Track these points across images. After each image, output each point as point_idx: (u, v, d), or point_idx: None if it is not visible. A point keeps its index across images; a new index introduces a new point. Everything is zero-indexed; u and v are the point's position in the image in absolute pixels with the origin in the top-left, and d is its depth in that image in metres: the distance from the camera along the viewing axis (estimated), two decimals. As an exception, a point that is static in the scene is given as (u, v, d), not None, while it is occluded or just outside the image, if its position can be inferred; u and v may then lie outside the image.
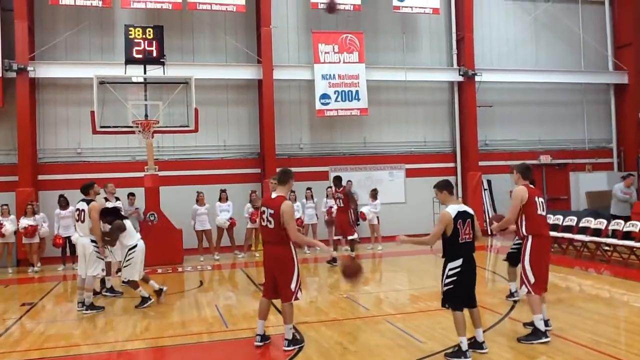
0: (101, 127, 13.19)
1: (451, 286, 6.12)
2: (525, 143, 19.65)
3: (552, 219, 14.45)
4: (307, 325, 7.86)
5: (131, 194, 13.86)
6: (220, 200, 15.44)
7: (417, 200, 18.00)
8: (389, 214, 16.70)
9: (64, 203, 14.14)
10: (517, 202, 6.78)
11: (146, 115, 13.22)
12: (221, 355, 6.87)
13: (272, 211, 6.61)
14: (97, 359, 6.88)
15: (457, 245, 6.10)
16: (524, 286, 6.72)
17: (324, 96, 17.20)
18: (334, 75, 17.26)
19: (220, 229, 15.30)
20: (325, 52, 17.32)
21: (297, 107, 17.91)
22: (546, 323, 6.87)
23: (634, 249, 12.01)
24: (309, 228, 15.92)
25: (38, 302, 10.26)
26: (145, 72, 13.45)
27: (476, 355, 6.12)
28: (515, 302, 8.61)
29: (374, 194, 16.62)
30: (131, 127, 12.95)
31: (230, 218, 15.45)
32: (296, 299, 6.70)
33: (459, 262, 6.11)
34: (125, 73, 13.34)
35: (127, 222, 9.51)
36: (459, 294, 6.12)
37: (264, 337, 6.93)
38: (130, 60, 13.23)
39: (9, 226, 13.83)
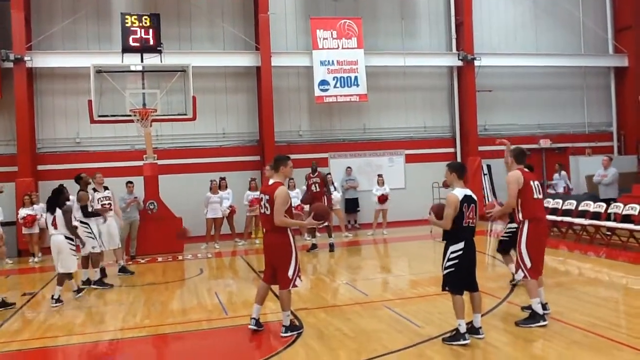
0: (99, 116, 13.16)
1: (452, 269, 6.14)
2: (525, 127, 19.58)
3: (551, 203, 14.47)
4: (307, 312, 7.90)
5: (129, 182, 13.84)
6: (220, 188, 15.43)
7: (417, 185, 17.98)
8: (389, 199, 16.66)
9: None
10: (514, 186, 6.73)
11: (144, 104, 13.18)
12: (220, 342, 6.90)
13: (267, 197, 6.65)
14: (97, 348, 6.92)
15: (460, 228, 6.12)
16: (520, 271, 6.69)
17: (323, 82, 17.12)
18: (332, 61, 17.17)
19: (220, 218, 15.31)
20: (324, 38, 17.22)
21: (296, 94, 17.84)
22: (544, 307, 6.89)
23: (633, 232, 12.00)
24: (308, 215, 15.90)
25: (38, 291, 10.30)
26: (142, 61, 13.38)
27: (473, 340, 6.14)
28: (514, 286, 8.62)
29: (379, 180, 16.62)
30: (129, 116, 12.91)
31: (230, 206, 15.47)
32: (294, 286, 6.72)
33: (460, 245, 6.12)
34: (122, 62, 13.27)
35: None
36: (460, 277, 6.14)
37: (258, 323, 6.97)
38: (127, 49, 13.17)
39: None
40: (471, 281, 6.25)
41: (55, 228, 9.22)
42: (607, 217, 13.02)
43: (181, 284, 10.66)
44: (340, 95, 17.25)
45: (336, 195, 16.01)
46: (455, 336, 6.09)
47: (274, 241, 6.71)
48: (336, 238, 14.99)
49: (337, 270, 11.68)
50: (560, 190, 17.32)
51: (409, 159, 18.63)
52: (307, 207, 15.37)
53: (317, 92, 17.10)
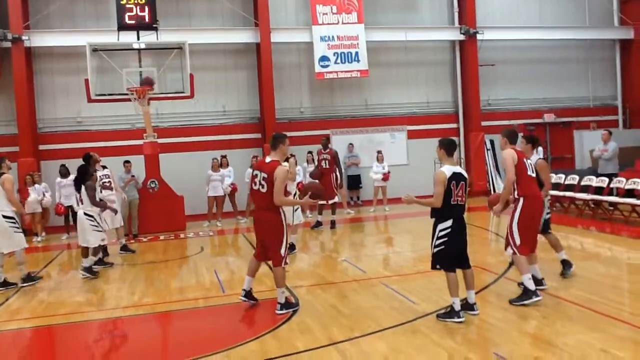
0: (96, 95, 13.11)
1: (442, 247, 6.11)
2: (528, 102, 19.35)
3: (554, 178, 14.35)
4: (304, 289, 7.93)
5: (127, 162, 13.86)
6: (221, 166, 15.43)
7: (420, 161, 17.84)
8: (391, 175, 16.61)
9: (64, 172, 14.22)
10: (510, 163, 6.68)
11: (141, 83, 13.10)
12: (214, 320, 6.93)
13: (265, 175, 6.62)
14: (94, 326, 6.98)
15: (448, 206, 6.07)
16: (509, 247, 6.68)
17: (323, 58, 16.95)
18: (332, 36, 16.97)
19: (222, 196, 15.33)
20: (324, 13, 17.00)
21: (297, 71, 17.69)
22: (540, 282, 6.89)
23: (636, 207, 11.93)
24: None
25: (41, 270, 10.37)
26: (138, 38, 13.26)
27: (468, 316, 6.14)
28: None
29: (378, 156, 16.64)
30: (126, 94, 12.85)
31: (232, 183, 15.48)
32: (285, 263, 6.76)
33: (449, 222, 6.08)
34: (117, 40, 13.16)
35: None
36: (450, 255, 6.11)
37: (249, 294, 7.04)
38: (122, 27, 13.03)
39: None
40: (462, 259, 6.22)
41: (82, 204, 9.44)
42: (610, 192, 12.94)
43: (181, 262, 10.71)
44: (341, 71, 17.09)
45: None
46: (449, 313, 6.10)
47: (267, 219, 6.72)
48: (338, 215, 15.01)
49: (336, 247, 11.71)
50: None
51: (411, 134, 18.51)
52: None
53: (318, 68, 16.94)
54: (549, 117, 19.50)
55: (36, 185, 14.51)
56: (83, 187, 9.39)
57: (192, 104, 16.27)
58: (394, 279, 8.34)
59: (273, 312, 6.75)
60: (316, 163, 14.25)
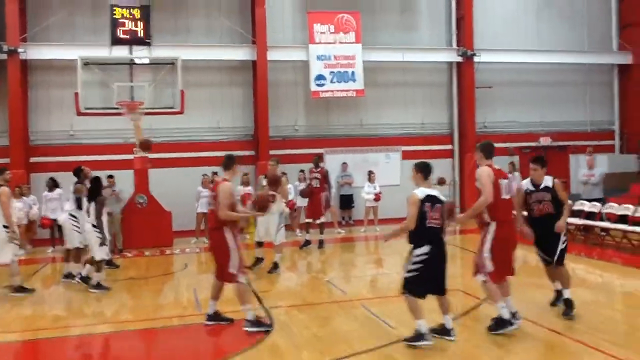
0: (86, 108, 13.06)
1: (416, 273, 5.93)
2: (525, 125, 19.23)
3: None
4: (282, 309, 7.77)
5: (110, 176, 13.80)
6: (212, 182, 15.30)
7: (413, 183, 17.70)
8: (384, 196, 16.47)
9: (51, 185, 14.12)
10: (487, 180, 6.20)
11: (132, 97, 13.08)
12: (185, 339, 6.75)
13: (213, 194, 6.83)
14: (65, 343, 6.83)
15: (423, 229, 5.91)
16: (479, 274, 6.29)
17: (319, 77, 16.93)
18: (329, 56, 16.95)
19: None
20: (321, 33, 17.00)
21: (293, 89, 17.64)
22: (514, 315, 6.42)
23: (627, 233, 11.76)
24: (302, 210, 15.72)
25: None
26: (131, 53, 13.25)
27: (444, 342, 5.98)
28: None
29: (369, 176, 16.58)
30: (116, 108, 12.81)
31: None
32: (237, 281, 6.74)
33: (425, 248, 5.92)
34: (110, 54, 13.16)
35: None
36: (423, 282, 5.91)
37: (216, 316, 7.03)
38: (115, 41, 13.03)
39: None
40: (437, 285, 6.03)
41: (89, 217, 9.40)
42: (601, 217, 12.78)
43: (163, 278, 10.57)
44: (337, 90, 17.05)
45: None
46: (416, 337, 5.88)
47: (214, 237, 6.91)
48: (329, 234, 14.88)
49: (323, 267, 11.55)
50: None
51: (406, 155, 18.36)
52: (300, 203, 15.23)
53: (314, 87, 16.91)
54: (545, 141, 19.39)
55: (24, 198, 14.40)
56: (93, 202, 9.34)
57: (187, 120, 16.20)
58: (375, 301, 8.19)
59: (244, 333, 6.59)
60: (307, 181, 14.13)
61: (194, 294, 8.94)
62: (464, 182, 18.33)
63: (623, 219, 12.30)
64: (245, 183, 15.55)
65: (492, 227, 6.28)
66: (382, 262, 12.26)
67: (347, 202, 17.61)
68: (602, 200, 13.13)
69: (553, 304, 7.29)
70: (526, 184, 7.14)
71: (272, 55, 16.69)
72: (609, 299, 8.25)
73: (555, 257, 6.90)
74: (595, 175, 13.47)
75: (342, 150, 17.84)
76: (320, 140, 17.69)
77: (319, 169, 13.44)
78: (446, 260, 6.09)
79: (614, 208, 12.37)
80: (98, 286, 9.31)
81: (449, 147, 18.90)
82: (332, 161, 17.64)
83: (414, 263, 5.95)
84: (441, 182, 16.00)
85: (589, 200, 13.14)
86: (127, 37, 13.16)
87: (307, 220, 13.59)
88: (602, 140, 19.94)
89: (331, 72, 16.91)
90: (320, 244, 13.24)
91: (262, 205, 7.26)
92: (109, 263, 11.41)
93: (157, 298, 8.91)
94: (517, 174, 16.61)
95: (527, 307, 7.00)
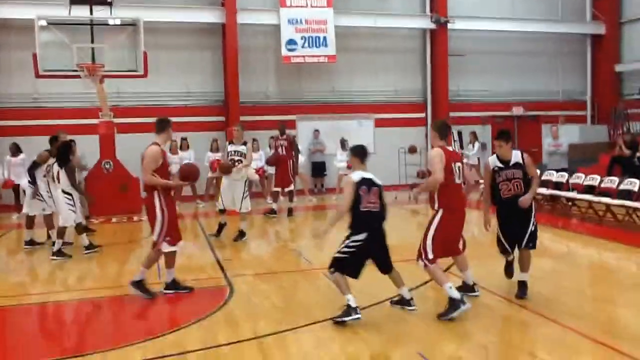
0: (45, 70, 12.64)
1: (346, 255, 5.73)
2: (498, 94, 19.25)
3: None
4: (243, 278, 7.69)
5: (71, 141, 13.45)
6: (181, 148, 15.13)
7: (386, 150, 17.59)
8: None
9: (14, 150, 13.75)
10: (437, 160, 5.81)
11: (93, 59, 12.67)
12: (141, 307, 6.63)
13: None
14: (18, 310, 6.69)
15: (359, 214, 5.70)
16: (420, 260, 5.89)
17: (290, 42, 16.63)
18: (300, 20, 16.64)
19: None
20: (292, -5, 16.65)
21: (263, 54, 17.34)
22: (472, 288, 6.36)
23: (592, 203, 11.88)
24: (272, 178, 15.59)
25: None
26: (91, 13, 12.78)
27: (401, 312, 5.97)
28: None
29: (342, 144, 16.45)
30: (76, 70, 12.41)
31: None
32: (159, 248, 6.68)
33: (362, 235, 5.70)
34: (69, 14, 12.68)
35: None
36: (353, 264, 5.75)
37: (170, 285, 6.95)
38: (75, 0, 12.55)
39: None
40: (382, 266, 5.95)
41: (59, 182, 9.18)
42: (568, 187, 12.88)
43: (128, 246, 10.39)
44: (309, 56, 16.79)
45: (301, 159, 15.76)
46: (345, 312, 5.66)
47: (145, 201, 6.80)
48: (300, 202, 14.82)
49: (290, 236, 11.50)
50: (475, 162, 16.64)
51: (379, 123, 18.30)
52: (270, 170, 15.08)
53: (285, 52, 16.62)
54: (517, 110, 19.46)
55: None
56: (63, 167, 9.17)
57: (155, 84, 15.85)
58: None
59: (205, 302, 6.52)
60: (273, 149, 13.96)
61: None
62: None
63: (590, 189, 12.42)
64: (214, 149, 15.35)
65: (440, 214, 5.93)
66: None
67: (319, 169, 17.53)
68: (569, 170, 13.23)
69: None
70: (493, 161, 6.38)
71: (241, 19, 16.32)
72: (570, 270, 8.30)
73: (524, 240, 6.26)
74: (563, 145, 13.55)
75: (313, 117, 17.66)
76: (291, 107, 17.48)
77: (284, 136, 13.23)
78: (385, 243, 5.91)
79: (580, 178, 12.45)
80: (59, 253, 9.12)
81: (422, 115, 18.86)
82: (304, 128, 17.51)
83: (347, 246, 5.75)
84: (412, 150, 15.90)
85: (557, 171, 13.23)
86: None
87: (274, 189, 13.43)
88: (574, 111, 20.09)
89: (302, 36, 16.62)
90: (290, 212, 13.14)
91: (184, 175, 7.01)
92: (87, 229, 11.17)
93: (121, 266, 8.76)
94: (477, 144, 16.67)
95: (488, 277, 7.01)
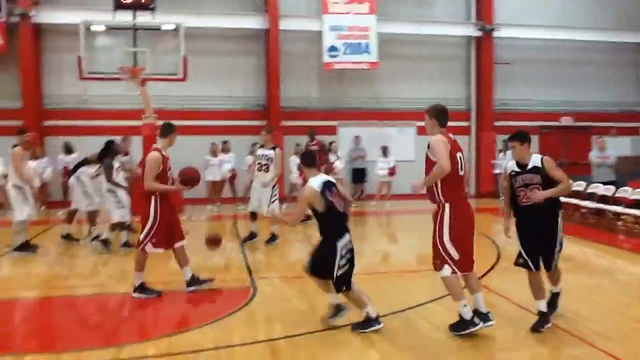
0: (89, 72, 13.09)
1: (347, 267, 5.49)
2: (545, 103, 18.73)
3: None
4: (269, 281, 7.71)
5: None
6: (222, 151, 15.39)
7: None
8: (398, 171, 16.25)
9: (68, 149, 14.48)
10: (443, 150, 5.24)
11: (135, 63, 13.03)
12: (164, 305, 6.73)
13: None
14: (59, 302, 6.91)
15: (336, 218, 5.52)
16: (446, 266, 5.27)
17: (332, 48, 16.66)
18: (343, 26, 16.66)
19: (220, 182, 15.29)
20: (334, 3, 16.70)
21: (306, 60, 17.41)
22: (486, 317, 5.51)
23: (639, 218, 11.38)
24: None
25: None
26: (134, 18, 13.15)
27: (422, 323, 5.84)
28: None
29: (384, 151, 16.32)
30: (118, 73, 12.79)
31: (232, 169, 15.37)
32: (143, 248, 6.75)
33: (347, 237, 5.51)
34: (113, 19, 13.10)
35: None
36: (350, 273, 5.58)
37: (190, 282, 7.09)
38: (119, 6, 12.94)
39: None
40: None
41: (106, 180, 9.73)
42: (614, 201, 12.39)
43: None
44: (350, 62, 16.77)
45: (338, 165, 15.77)
46: (367, 322, 5.58)
47: (141, 205, 6.88)
48: (374, 207, 14.92)
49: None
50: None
51: (421, 130, 17.93)
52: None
53: (326, 58, 16.67)
54: (566, 121, 18.86)
55: (38, 160, 14.57)
56: (102, 165, 9.70)
57: (198, 88, 16.18)
58: (367, 277, 7.98)
59: (226, 303, 6.56)
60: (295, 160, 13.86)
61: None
62: (480, 160, 17.98)
63: (638, 204, 11.91)
64: (252, 153, 15.48)
65: (447, 210, 5.31)
66: (387, 238, 12.11)
67: (359, 176, 17.46)
68: (617, 184, 12.72)
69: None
70: (511, 165, 5.77)
71: (284, 25, 16.48)
72: (611, 287, 7.91)
73: (553, 263, 5.70)
74: (610, 157, 13.06)
75: (355, 123, 17.61)
76: (333, 113, 17.50)
77: (314, 141, 13.15)
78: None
79: (627, 192, 11.96)
80: (104, 242, 9.51)
81: (465, 124, 18.53)
82: (345, 134, 17.48)
83: (343, 257, 5.44)
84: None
85: (604, 184, 12.75)
86: (130, 1, 12.97)
87: None
88: (627, 122, 19.33)
89: (344, 43, 16.63)
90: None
91: (184, 180, 6.96)
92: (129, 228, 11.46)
93: (150, 263, 8.88)
94: (509, 153, 16.23)
95: (514, 288, 6.77)
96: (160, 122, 14.12)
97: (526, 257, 5.66)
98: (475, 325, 5.30)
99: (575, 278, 7.93)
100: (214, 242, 7.14)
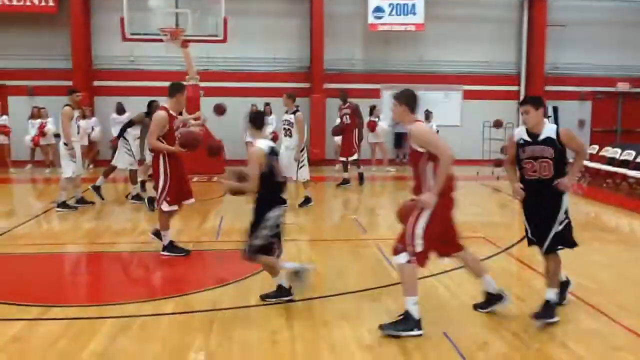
0: (131, 34, 13.29)
1: (275, 239, 5.31)
2: (600, 68, 17.83)
3: (610, 152, 13.39)
4: (294, 243, 7.76)
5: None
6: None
7: (473, 124, 16.98)
8: (442, 136, 15.93)
9: (120, 109, 14.94)
10: (435, 137, 4.87)
11: (177, 24, 13.13)
12: (190, 264, 6.93)
13: None
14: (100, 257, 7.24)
15: (273, 186, 5.31)
16: (404, 253, 4.71)
17: (378, 9, 16.33)
18: (389, -14, 16.26)
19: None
20: (381, -39, 16.27)
21: (350, 21, 17.16)
22: (499, 296, 5.13)
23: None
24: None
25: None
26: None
27: (436, 293, 5.82)
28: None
29: (427, 115, 16.03)
30: (159, 34, 12.93)
31: (273, 132, 15.44)
32: (159, 207, 6.92)
33: (279, 210, 5.32)
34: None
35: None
36: (278, 244, 5.42)
37: (166, 247, 7.07)
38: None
39: (50, 126, 14.68)
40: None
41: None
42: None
43: (197, 204, 10.75)
44: (396, 24, 16.40)
45: (382, 127, 15.63)
46: (277, 291, 5.47)
47: (152, 163, 7.13)
48: (379, 172, 14.77)
49: (356, 204, 11.47)
50: None
51: (467, 95, 17.65)
52: (337, 139, 14.88)
53: (371, 20, 16.37)
54: (623, 86, 17.98)
55: (86, 119, 15.04)
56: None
57: (242, 50, 16.25)
58: (390, 241, 8.02)
59: (248, 264, 6.67)
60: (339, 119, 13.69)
61: (220, 221, 9.14)
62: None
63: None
64: (268, 113, 15.49)
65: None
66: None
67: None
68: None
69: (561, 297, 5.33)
70: (520, 132, 5.08)
71: (329, -15, 16.20)
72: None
73: (546, 243, 4.98)
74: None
75: (399, 87, 17.11)
76: (377, 76, 17.28)
77: (347, 105, 12.92)
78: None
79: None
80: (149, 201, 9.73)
81: (515, 88, 17.96)
82: (389, 98, 17.15)
83: (274, 227, 5.24)
84: (497, 124, 15.24)
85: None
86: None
87: (341, 158, 13.24)
88: (689, 88, 18.26)
89: (390, 4, 16.24)
90: (361, 178, 12.96)
91: (183, 143, 6.84)
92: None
93: (183, 222, 9.15)
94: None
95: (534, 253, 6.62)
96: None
97: (529, 234, 5.17)
98: (420, 330, 4.71)
99: (605, 247, 7.74)
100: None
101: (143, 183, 11.01)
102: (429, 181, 4.75)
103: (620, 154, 13.11)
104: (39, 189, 13.74)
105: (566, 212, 5.00)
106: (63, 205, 9.83)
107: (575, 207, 11.38)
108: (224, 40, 13.91)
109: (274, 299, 5.46)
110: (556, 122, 17.66)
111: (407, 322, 4.72)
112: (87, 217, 9.57)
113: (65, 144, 9.67)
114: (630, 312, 5.28)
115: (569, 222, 5.02)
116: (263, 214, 5.20)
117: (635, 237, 9.04)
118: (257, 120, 5.53)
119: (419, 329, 4.71)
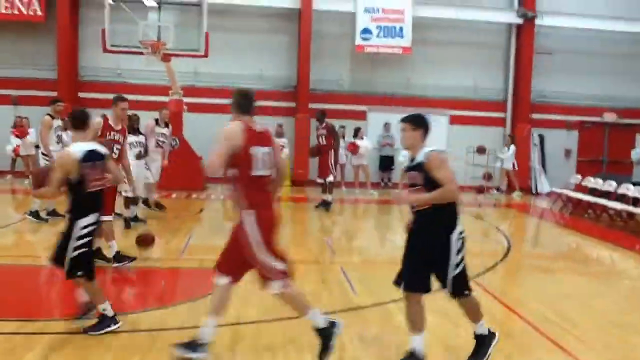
0: (112, 45, 13.27)
1: (85, 249, 4.74)
2: (587, 97, 17.86)
3: (591, 182, 13.33)
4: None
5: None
6: (277, 135, 15.39)
7: (459, 149, 16.87)
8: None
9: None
10: (225, 143, 4.21)
11: (158, 38, 13.11)
12: (159, 280, 6.81)
13: None
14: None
15: (85, 196, 4.76)
16: (276, 282, 4.43)
17: (365, 31, 16.37)
18: (377, 9, 16.33)
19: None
20: (370, -17, 16.35)
21: (338, 42, 17.19)
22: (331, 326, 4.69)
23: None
24: (340, 168, 15.16)
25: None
26: (160, -8, 13.28)
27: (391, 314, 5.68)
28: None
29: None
30: (139, 47, 12.91)
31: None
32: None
33: (91, 218, 4.79)
34: (140, -8, 13.24)
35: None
36: (90, 260, 4.91)
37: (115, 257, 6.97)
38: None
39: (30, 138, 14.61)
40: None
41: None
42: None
43: (171, 221, 10.66)
44: (383, 46, 16.44)
45: (366, 147, 15.54)
46: (102, 322, 4.90)
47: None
48: (363, 194, 14.81)
49: (330, 227, 11.34)
50: (509, 167, 15.97)
51: (454, 120, 17.63)
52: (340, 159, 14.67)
53: (359, 41, 16.40)
54: (609, 117, 18.00)
55: (68, 132, 14.93)
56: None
57: (229, 66, 16.23)
58: (358, 266, 7.92)
59: (206, 283, 6.55)
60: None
61: (187, 239, 8.98)
62: (516, 153, 17.40)
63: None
64: (278, 134, 15.44)
65: (253, 216, 4.29)
66: (396, 229, 11.87)
67: (387, 163, 17.23)
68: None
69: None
70: (405, 156, 4.60)
71: (318, 5, 16.25)
72: (609, 292, 7.53)
73: (448, 286, 4.30)
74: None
75: (385, 109, 17.29)
76: (363, 97, 17.28)
77: (324, 125, 12.61)
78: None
79: (657, 194, 11.34)
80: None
81: (501, 114, 17.96)
82: (374, 120, 17.22)
83: (81, 237, 4.71)
84: (480, 150, 15.23)
85: (634, 184, 12.12)
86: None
87: (318, 180, 12.89)
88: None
89: (378, 26, 16.29)
90: (325, 204, 12.31)
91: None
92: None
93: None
94: (512, 147, 15.85)
95: (494, 279, 6.53)
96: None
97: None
98: (115, 324, 4.85)
99: (575, 279, 7.62)
100: (145, 241, 7.22)
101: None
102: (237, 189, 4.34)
103: (602, 185, 13.04)
104: (18, 199, 13.60)
105: (460, 249, 4.26)
106: (35, 215, 9.68)
107: (556, 237, 11.36)
108: (205, 55, 13.87)
109: (100, 331, 4.86)
110: (542, 150, 17.72)
111: (102, 322, 4.83)
112: (57, 229, 9.40)
113: (44, 154, 9.51)
114: (587, 347, 5.15)
115: (463, 266, 4.31)
116: (72, 227, 4.73)
117: (606, 270, 8.90)
118: (77, 119, 4.88)
119: (115, 322, 4.87)
